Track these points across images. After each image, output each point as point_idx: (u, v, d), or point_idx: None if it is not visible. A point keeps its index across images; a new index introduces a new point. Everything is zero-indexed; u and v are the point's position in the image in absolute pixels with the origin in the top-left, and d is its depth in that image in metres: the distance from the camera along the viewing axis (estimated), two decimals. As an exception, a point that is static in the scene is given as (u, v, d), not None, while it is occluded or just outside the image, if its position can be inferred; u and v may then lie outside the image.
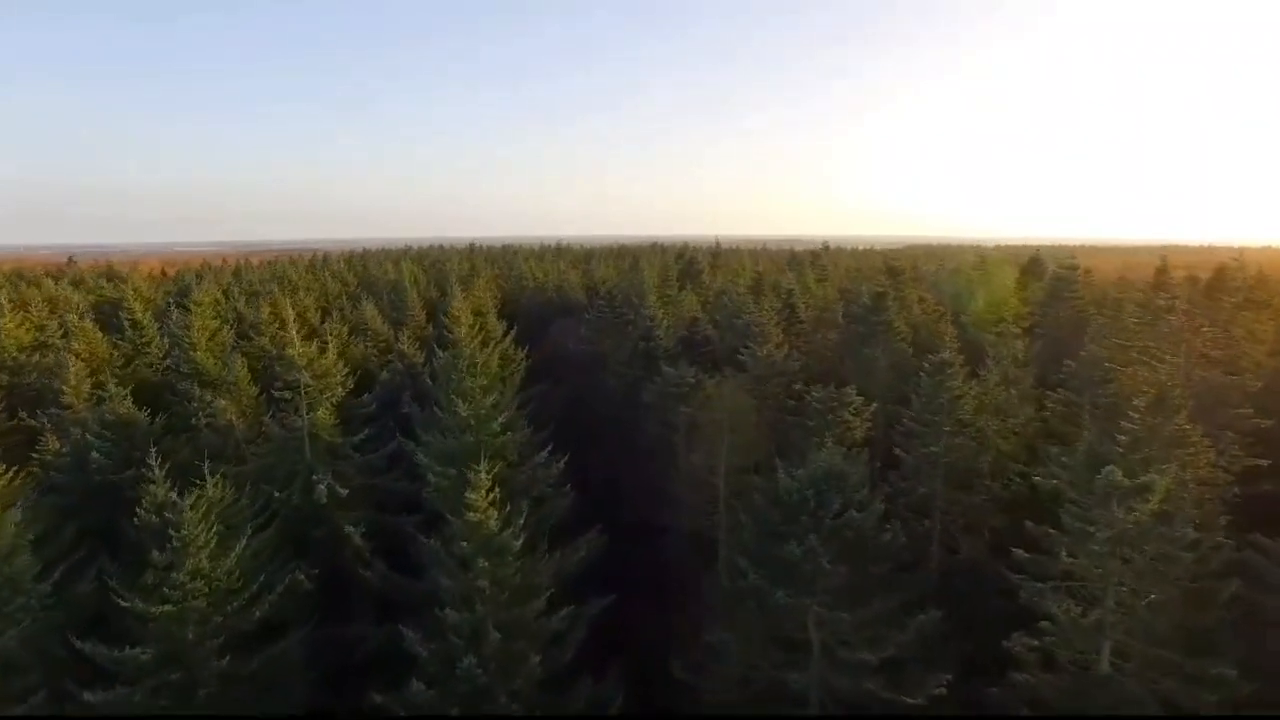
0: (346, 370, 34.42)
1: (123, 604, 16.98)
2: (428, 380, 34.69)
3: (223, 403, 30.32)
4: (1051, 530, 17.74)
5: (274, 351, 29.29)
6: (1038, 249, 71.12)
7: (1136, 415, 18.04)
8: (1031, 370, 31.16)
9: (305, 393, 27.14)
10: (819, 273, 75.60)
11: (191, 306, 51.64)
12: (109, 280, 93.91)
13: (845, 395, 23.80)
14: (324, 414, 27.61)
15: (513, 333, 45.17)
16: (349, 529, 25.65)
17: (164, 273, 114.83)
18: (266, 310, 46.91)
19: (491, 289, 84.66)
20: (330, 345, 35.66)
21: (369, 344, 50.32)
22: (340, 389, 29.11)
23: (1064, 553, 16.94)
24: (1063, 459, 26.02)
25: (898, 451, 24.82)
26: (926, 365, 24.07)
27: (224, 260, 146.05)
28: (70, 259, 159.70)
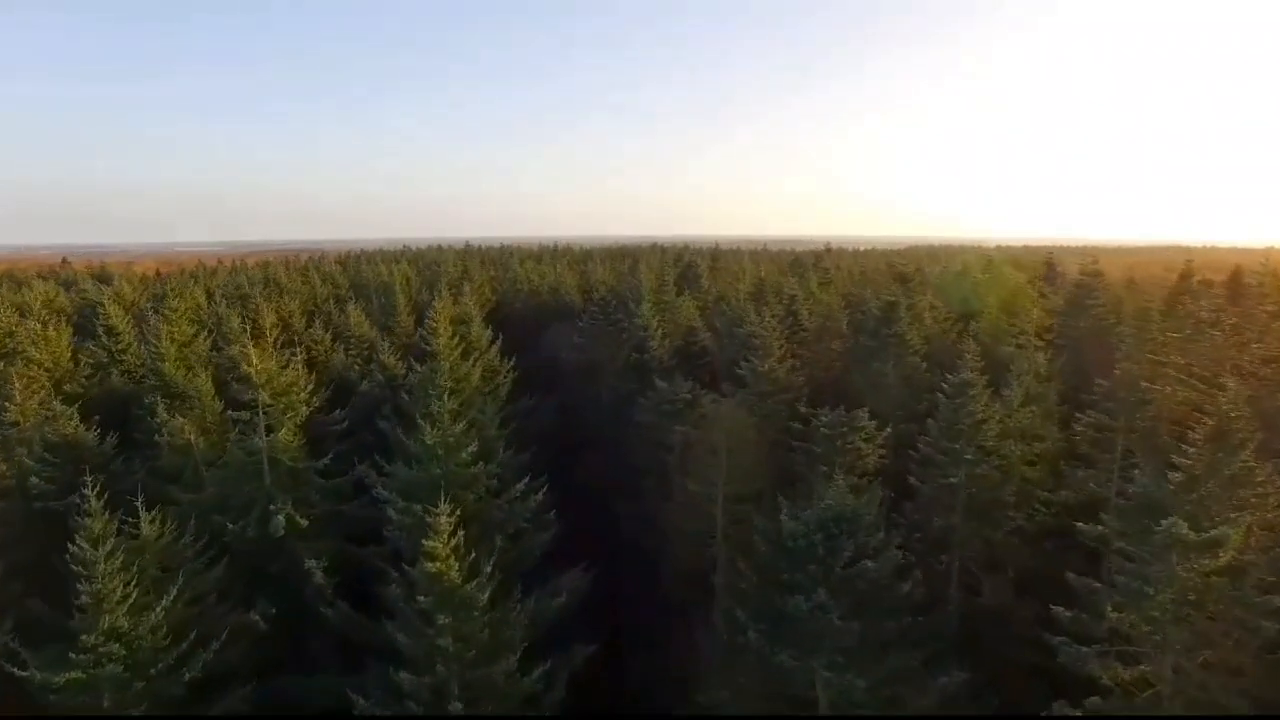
0: (314, 385, 32.11)
1: (19, 673, 14.66)
2: (405, 395, 32.38)
3: (180, 420, 27.95)
4: (1095, 584, 15.42)
5: (235, 367, 26.96)
6: (1050, 251, 68.70)
7: (1193, 450, 15.69)
8: (1054, 386, 28.81)
9: (264, 413, 24.82)
10: (822, 276, 73.16)
11: (166, 312, 49.47)
12: (100, 282, 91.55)
13: (855, 419, 21.51)
14: (286, 435, 25.29)
15: (499, 342, 42.80)
16: (310, 563, 23.33)
17: (158, 273, 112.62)
18: (235, 319, 44.48)
19: (484, 292, 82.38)
20: (299, 357, 33.32)
21: (351, 352, 47.97)
22: (305, 407, 26.73)
23: (1111, 609, 14.60)
24: (1091, 484, 23.80)
25: (912, 480, 22.49)
26: (946, 386, 21.73)
27: (219, 261, 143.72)
28: (64, 259, 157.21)
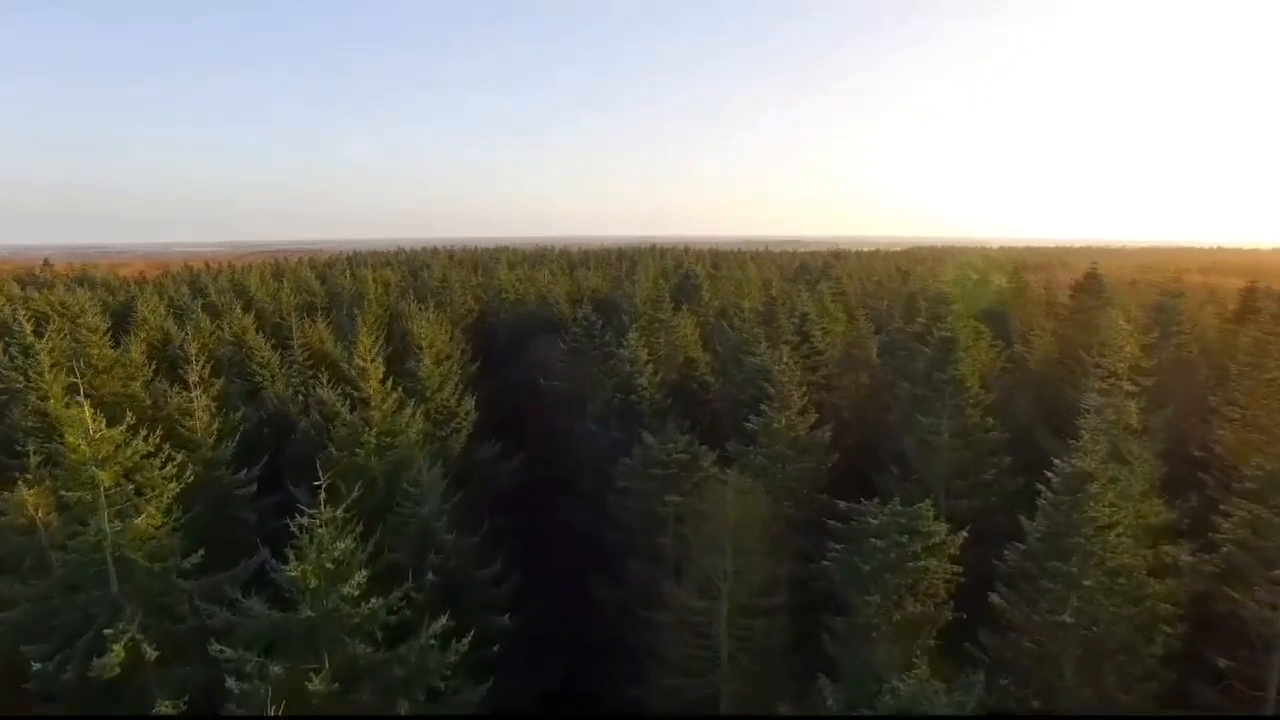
0: (217, 434, 25.81)
1: None
2: (334, 451, 25.87)
3: (23, 491, 21.32)
4: None
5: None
6: (1092, 254, 61.97)
7: None
8: (1152, 445, 22.28)
9: (107, 498, 18.28)
10: (834, 286, 66.33)
11: (84, 332, 43.02)
12: (78, 285, 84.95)
13: (917, 520, 15.05)
14: (145, 522, 18.79)
15: (469, 367, 36.24)
16: (161, 706, 16.86)
17: (143, 276, 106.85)
18: (138, 346, 37.84)
19: (466, 302, 75.68)
20: (198, 400, 26.82)
21: (295, 379, 41.37)
22: (174, 483, 20.04)
23: None
24: (1226, 583, 17.28)
25: (995, 599, 15.97)
26: (1054, 479, 15.20)
27: (207, 264, 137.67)
28: (45, 261, 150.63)
